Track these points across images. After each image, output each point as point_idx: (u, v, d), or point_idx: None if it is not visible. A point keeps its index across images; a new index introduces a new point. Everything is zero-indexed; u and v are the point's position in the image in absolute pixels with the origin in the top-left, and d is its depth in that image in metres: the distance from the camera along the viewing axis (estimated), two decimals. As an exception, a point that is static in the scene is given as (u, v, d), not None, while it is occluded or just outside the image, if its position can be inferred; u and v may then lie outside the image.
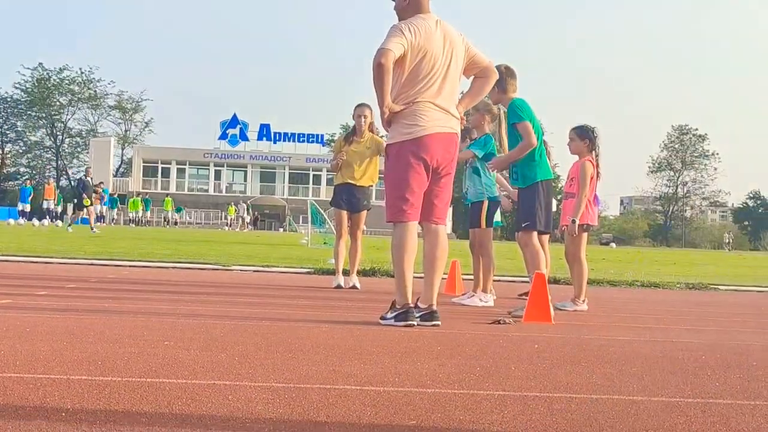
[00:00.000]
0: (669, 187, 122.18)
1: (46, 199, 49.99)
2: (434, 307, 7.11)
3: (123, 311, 7.30)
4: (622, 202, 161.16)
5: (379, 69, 6.77)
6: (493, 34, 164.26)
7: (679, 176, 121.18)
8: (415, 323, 6.92)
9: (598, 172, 9.37)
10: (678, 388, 4.61)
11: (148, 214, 71.58)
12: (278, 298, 9.44)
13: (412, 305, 7.02)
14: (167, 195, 74.28)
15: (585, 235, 9.50)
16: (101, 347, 5.08)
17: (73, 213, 34.46)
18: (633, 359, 5.66)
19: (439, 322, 7.04)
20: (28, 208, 48.06)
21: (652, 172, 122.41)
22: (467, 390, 4.25)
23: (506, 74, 8.63)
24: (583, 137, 9.43)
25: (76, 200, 34.68)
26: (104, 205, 60.42)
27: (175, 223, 73.81)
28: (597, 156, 9.38)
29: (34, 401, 3.57)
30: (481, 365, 5.08)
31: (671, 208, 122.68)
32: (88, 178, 34.53)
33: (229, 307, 8.04)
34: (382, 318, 7.08)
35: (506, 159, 8.75)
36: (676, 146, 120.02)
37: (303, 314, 7.68)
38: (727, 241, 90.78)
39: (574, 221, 9.20)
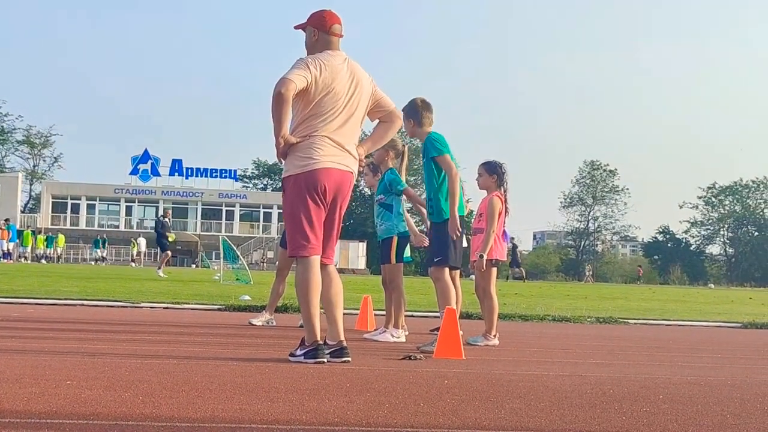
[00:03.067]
0: (580, 221, 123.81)
1: None
2: (344, 343, 7.05)
3: (26, 350, 7.13)
4: (534, 237, 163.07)
5: (278, 98, 6.69)
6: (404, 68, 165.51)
7: (590, 211, 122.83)
8: (326, 360, 6.86)
9: (506, 208, 9.46)
10: (585, 422, 4.63)
11: (50, 250, 70.13)
12: (188, 335, 9.32)
13: (321, 342, 6.96)
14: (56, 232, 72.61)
15: (494, 270, 9.54)
16: (0, 388, 4.94)
17: (162, 255, 33.00)
18: (542, 394, 5.67)
19: (349, 359, 6.99)
20: None
21: (564, 207, 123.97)
22: (375, 427, 4.22)
23: (422, 107, 8.68)
24: (491, 172, 9.51)
25: (159, 242, 33.27)
26: (11, 241, 59.20)
27: (95, 260, 72.67)
28: (505, 192, 9.48)
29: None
30: (390, 401, 5.05)
31: (583, 243, 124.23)
32: (166, 219, 33.67)
33: (136, 345, 7.91)
34: (291, 355, 7.01)
35: (451, 204, 8.68)
36: (588, 181, 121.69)
37: (212, 352, 7.58)
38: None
39: (482, 256, 9.22)
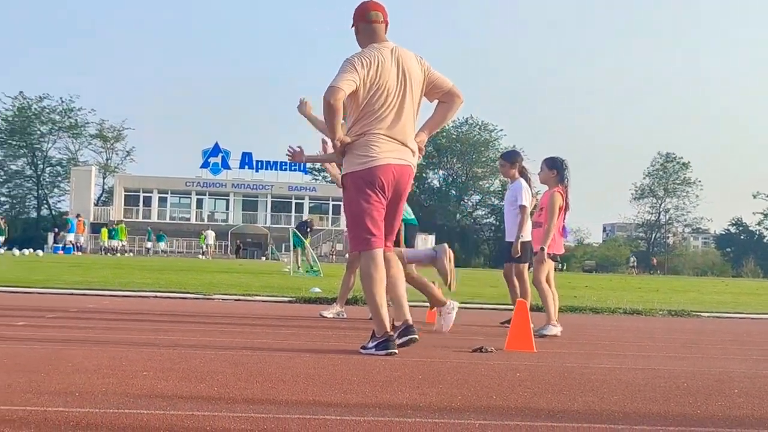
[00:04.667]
0: (651, 214, 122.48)
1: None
2: (410, 322, 7.17)
3: (102, 341, 7.25)
4: (604, 229, 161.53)
5: (328, 108, 6.76)
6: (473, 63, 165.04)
7: (661, 203, 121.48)
8: (396, 351, 6.90)
9: (567, 203, 9.55)
10: (660, 416, 4.59)
11: (116, 242, 70.78)
12: (259, 327, 9.40)
13: (391, 333, 7.00)
14: (120, 223, 73.24)
15: (552, 263, 9.68)
16: (79, 378, 5.04)
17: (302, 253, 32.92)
18: (615, 387, 5.64)
19: (416, 336, 7.11)
20: None
21: (635, 199, 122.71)
22: (448, 419, 4.22)
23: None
24: (552, 167, 9.72)
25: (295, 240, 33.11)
26: (71, 231, 60.13)
27: (155, 252, 73.49)
28: (566, 187, 9.58)
29: (9, 434, 3.53)
30: (462, 394, 5.05)
31: (654, 235, 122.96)
32: (310, 220, 33.92)
33: (209, 337, 7.99)
34: (363, 348, 7.04)
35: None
36: (660, 173, 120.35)
37: (284, 343, 7.64)
38: (632, 265, 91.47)
39: (542, 249, 9.41)
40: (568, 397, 5.11)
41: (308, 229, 32.16)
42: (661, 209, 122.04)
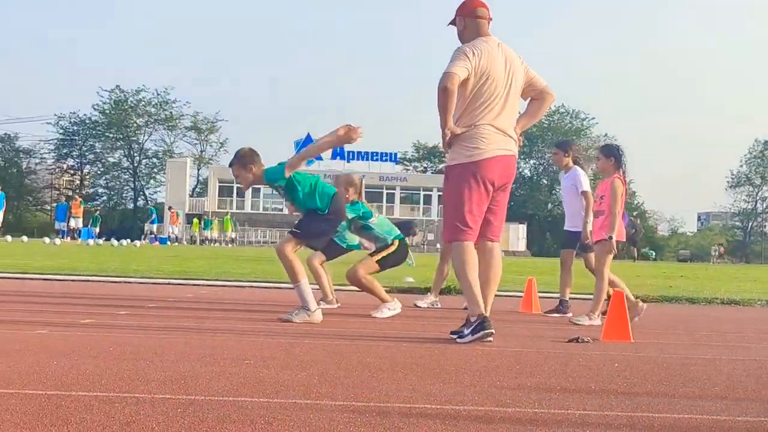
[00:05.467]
0: (748, 202, 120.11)
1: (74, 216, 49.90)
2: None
3: (203, 330, 7.39)
4: (699, 218, 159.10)
5: (444, 93, 6.88)
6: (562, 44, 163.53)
7: (758, 191, 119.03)
8: (493, 331, 6.98)
9: (626, 190, 9.53)
10: (763, 408, 4.55)
11: (207, 233, 71.49)
12: (356, 316, 9.48)
13: (486, 315, 7.06)
14: (227, 214, 74.27)
15: (612, 251, 9.64)
16: (183, 366, 5.15)
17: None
18: (716, 378, 5.59)
19: (492, 330, 7.10)
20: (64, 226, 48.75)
21: (730, 187, 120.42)
22: (548, 409, 4.24)
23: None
24: (609, 155, 9.71)
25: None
26: (153, 223, 61.04)
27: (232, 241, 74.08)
28: (624, 173, 9.54)
29: (121, 420, 3.63)
30: (561, 384, 5.06)
31: (750, 224, 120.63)
32: (416, 226, 33.97)
33: (306, 326, 8.09)
34: (459, 336, 7.08)
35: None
36: (757, 161, 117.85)
37: (381, 333, 7.71)
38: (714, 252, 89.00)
39: (611, 237, 9.38)
40: (669, 388, 5.08)
41: (411, 234, 31.94)
42: (758, 198, 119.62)
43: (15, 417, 3.61)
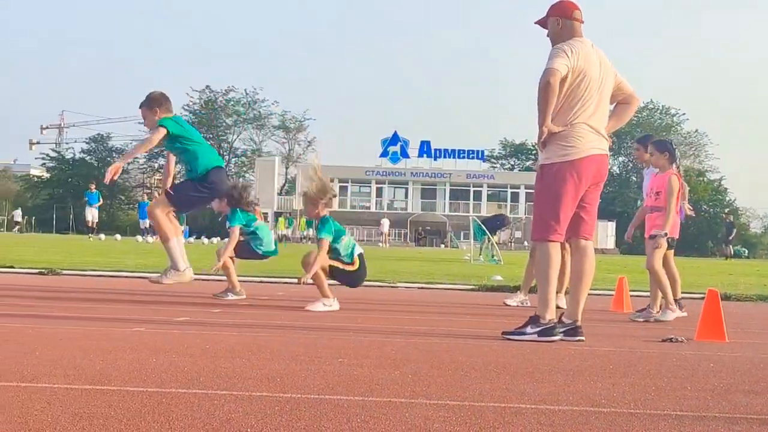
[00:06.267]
0: None
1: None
2: (578, 323, 7.19)
3: (296, 328, 7.47)
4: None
5: (546, 88, 6.90)
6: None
7: None
8: (559, 338, 7.00)
9: (681, 185, 9.48)
10: None
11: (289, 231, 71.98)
12: (445, 315, 9.50)
13: (556, 321, 7.08)
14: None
15: (667, 248, 9.66)
16: (278, 364, 5.22)
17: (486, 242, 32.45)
18: (814, 379, 5.50)
19: (583, 338, 7.11)
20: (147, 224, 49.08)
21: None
22: (643, 409, 4.21)
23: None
24: (663, 150, 9.70)
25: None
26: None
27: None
28: (678, 168, 9.51)
29: (220, 417, 3.70)
30: (655, 384, 5.02)
31: None
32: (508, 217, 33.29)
33: (397, 324, 8.14)
34: (521, 333, 7.08)
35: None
36: None
37: (470, 331, 7.72)
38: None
39: (665, 234, 9.36)
40: (766, 389, 5.01)
41: (504, 225, 31.41)
42: None
43: (118, 413, 3.70)
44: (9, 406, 3.77)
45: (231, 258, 10.55)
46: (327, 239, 9.47)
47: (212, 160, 8.99)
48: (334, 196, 10.26)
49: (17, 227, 72.89)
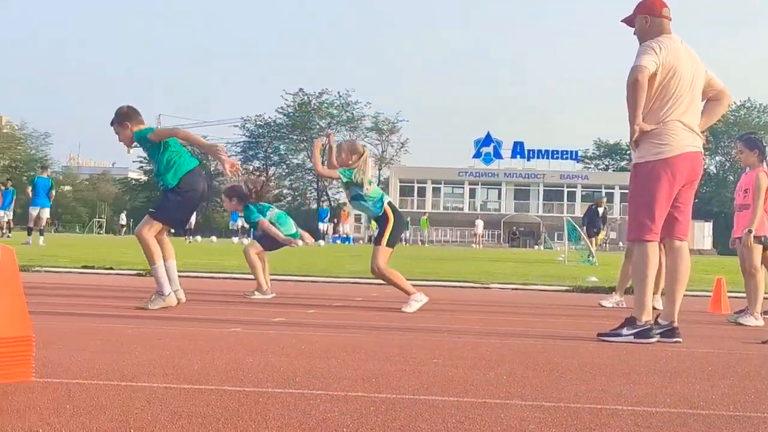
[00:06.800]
0: None
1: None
2: (675, 324, 7.11)
3: (391, 329, 7.50)
4: None
5: (634, 85, 6.83)
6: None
7: None
8: (655, 340, 6.93)
9: None
10: None
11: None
12: (539, 316, 9.45)
13: (652, 322, 7.01)
14: (425, 214, 75.41)
15: (760, 247, 9.43)
16: (373, 365, 5.25)
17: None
18: None
19: (680, 339, 7.02)
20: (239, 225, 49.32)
21: None
22: (743, 412, 4.15)
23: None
24: (752, 147, 9.51)
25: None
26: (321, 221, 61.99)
27: (431, 242, 74.65)
28: None
29: (317, 417, 3.73)
30: (755, 387, 4.94)
31: None
32: (600, 208, 32.87)
33: (491, 326, 8.12)
34: (616, 334, 7.01)
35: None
36: None
37: (566, 332, 7.67)
38: None
39: (750, 231, 9.21)
40: None
41: (602, 218, 30.72)
42: None
43: (216, 412, 3.75)
44: (110, 404, 3.85)
45: (260, 257, 10.78)
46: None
47: (184, 165, 8.94)
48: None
49: (123, 229, 74.59)
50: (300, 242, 11.43)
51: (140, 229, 8.75)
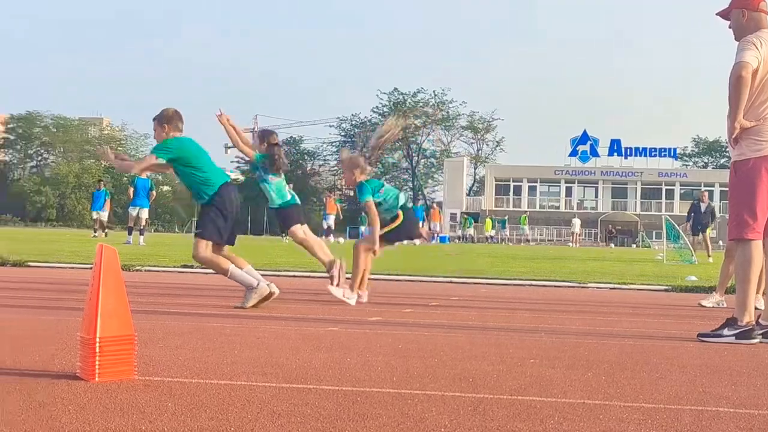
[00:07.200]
0: None
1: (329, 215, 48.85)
2: None
3: (486, 329, 7.48)
4: None
5: (738, 82, 6.70)
6: None
7: None
8: (758, 341, 6.81)
9: None
10: None
11: (470, 231, 72.43)
12: (638, 316, 9.33)
13: (754, 323, 6.89)
14: (525, 213, 75.33)
15: None
16: (470, 364, 5.24)
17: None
18: None
19: None
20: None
21: None
22: None
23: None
24: None
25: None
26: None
27: (527, 241, 74.31)
28: None
29: (414, 417, 3.75)
30: None
31: None
32: (702, 203, 31.85)
33: (589, 325, 8.04)
34: (718, 335, 6.89)
35: None
36: None
37: (664, 332, 7.57)
38: None
39: None
40: None
41: (709, 213, 30.05)
42: None
43: (315, 411, 3.79)
44: (210, 403, 3.91)
45: (305, 233, 10.55)
46: (370, 200, 9.75)
47: (217, 181, 9.02)
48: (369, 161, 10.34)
49: None
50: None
51: (197, 252, 8.87)
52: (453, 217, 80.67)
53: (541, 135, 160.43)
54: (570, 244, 69.05)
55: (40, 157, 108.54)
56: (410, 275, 15.33)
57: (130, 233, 28.71)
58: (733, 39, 7.12)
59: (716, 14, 7.35)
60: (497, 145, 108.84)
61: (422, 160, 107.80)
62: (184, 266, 15.33)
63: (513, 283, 14.39)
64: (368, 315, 8.30)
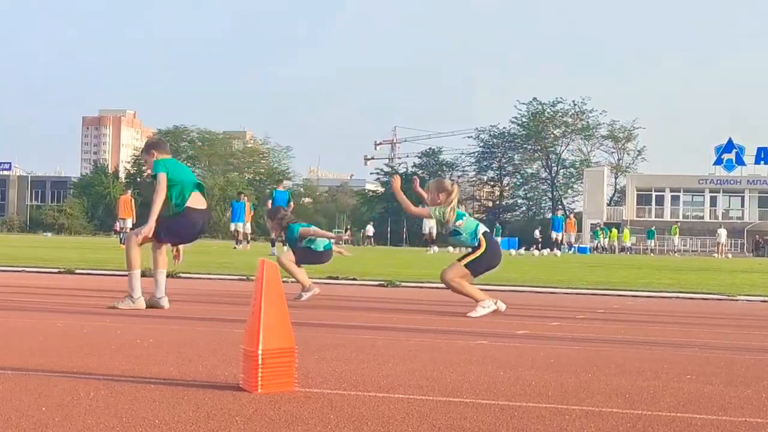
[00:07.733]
0: None
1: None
2: None
3: (637, 342, 7.39)
4: None
5: None
6: None
7: None
8: None
9: None
10: None
11: (606, 241, 71.44)
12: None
13: None
14: (676, 222, 74.03)
15: None
16: (624, 380, 5.21)
17: None
18: None
19: None
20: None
21: None
22: None
23: None
24: None
25: None
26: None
27: (674, 252, 72.94)
28: None
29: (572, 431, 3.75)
30: None
31: None
32: None
33: (742, 340, 7.87)
34: None
35: None
36: None
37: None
38: None
39: None
40: None
41: None
42: None
43: (474, 426, 3.83)
44: (371, 416, 3.98)
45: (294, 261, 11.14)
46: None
47: (187, 192, 9.48)
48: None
49: (368, 241, 76.66)
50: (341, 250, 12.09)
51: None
52: (592, 227, 79.70)
53: (683, 144, 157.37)
54: (715, 255, 67.49)
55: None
56: (551, 287, 15.23)
57: (273, 245, 29.18)
58: None
59: None
60: (638, 155, 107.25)
61: (562, 170, 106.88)
62: (330, 277, 15.50)
63: (659, 295, 14.17)
64: (515, 328, 8.28)
